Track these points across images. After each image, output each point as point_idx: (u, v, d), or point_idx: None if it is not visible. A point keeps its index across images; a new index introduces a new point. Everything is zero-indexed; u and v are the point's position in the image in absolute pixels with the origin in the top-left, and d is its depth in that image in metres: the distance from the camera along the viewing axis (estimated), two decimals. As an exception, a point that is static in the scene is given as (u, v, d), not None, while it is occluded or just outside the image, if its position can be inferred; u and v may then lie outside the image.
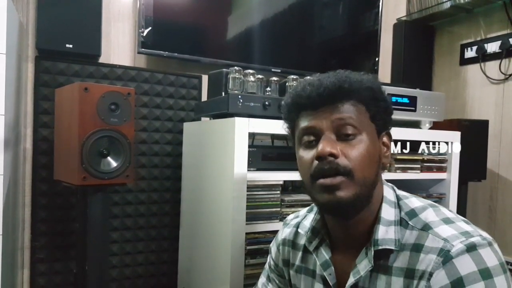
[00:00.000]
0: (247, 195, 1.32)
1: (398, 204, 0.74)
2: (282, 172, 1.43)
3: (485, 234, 0.66)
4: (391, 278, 0.69)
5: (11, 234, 1.37)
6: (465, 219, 0.71)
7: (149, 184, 1.85)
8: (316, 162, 0.70)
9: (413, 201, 0.75)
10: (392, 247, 0.69)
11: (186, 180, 1.78)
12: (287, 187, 1.71)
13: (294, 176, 1.47)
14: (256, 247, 1.36)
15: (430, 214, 0.71)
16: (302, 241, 0.86)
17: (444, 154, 1.77)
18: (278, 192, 1.42)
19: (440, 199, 1.78)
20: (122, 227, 1.80)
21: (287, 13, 2.04)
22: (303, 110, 0.74)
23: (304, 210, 0.94)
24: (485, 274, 0.60)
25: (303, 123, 0.73)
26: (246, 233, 1.33)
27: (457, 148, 1.75)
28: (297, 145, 0.77)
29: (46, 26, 1.58)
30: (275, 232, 1.41)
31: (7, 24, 1.18)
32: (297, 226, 0.89)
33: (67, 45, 1.60)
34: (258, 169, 1.39)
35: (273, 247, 0.97)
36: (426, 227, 0.68)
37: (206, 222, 1.52)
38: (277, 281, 0.96)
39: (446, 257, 0.62)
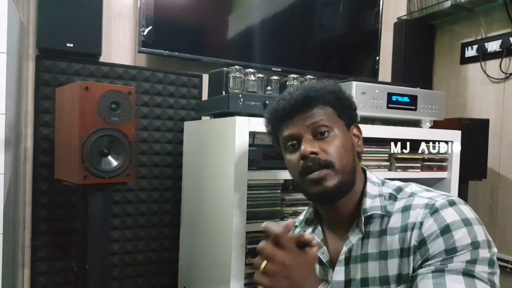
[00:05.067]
0: (248, 194, 1.32)
1: (382, 184, 0.87)
2: (283, 171, 1.42)
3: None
4: (386, 237, 0.79)
5: (11, 233, 1.37)
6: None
7: (150, 183, 1.85)
8: (301, 161, 0.82)
9: (397, 182, 0.88)
10: (379, 212, 0.81)
11: (186, 179, 1.78)
12: (288, 186, 1.71)
13: (295, 175, 1.48)
14: (256, 246, 1.35)
15: (414, 187, 0.84)
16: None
17: (445, 153, 1.77)
18: (279, 191, 1.43)
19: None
20: (123, 226, 1.80)
21: (287, 12, 2.04)
22: (281, 122, 0.87)
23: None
24: (466, 222, 0.71)
25: (285, 132, 0.86)
26: (247, 232, 1.33)
27: (457, 147, 1.75)
28: (284, 151, 0.89)
29: (47, 25, 1.58)
30: (275, 231, 1.42)
31: (8, 23, 1.18)
32: (295, 222, 0.99)
33: (68, 44, 1.60)
34: (259, 168, 1.39)
35: None
36: (412, 194, 0.81)
37: (207, 221, 1.52)
38: None
39: (432, 208, 0.74)
